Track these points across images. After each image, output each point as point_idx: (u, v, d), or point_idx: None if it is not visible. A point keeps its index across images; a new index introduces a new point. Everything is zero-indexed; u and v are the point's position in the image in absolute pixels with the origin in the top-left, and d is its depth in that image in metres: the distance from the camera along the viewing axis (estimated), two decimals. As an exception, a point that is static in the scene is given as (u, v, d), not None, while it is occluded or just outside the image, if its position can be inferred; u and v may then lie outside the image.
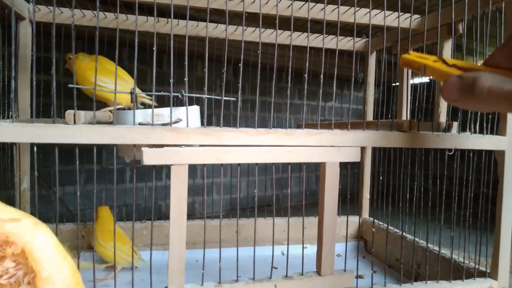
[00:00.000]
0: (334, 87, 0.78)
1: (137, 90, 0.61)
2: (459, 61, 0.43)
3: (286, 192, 0.76)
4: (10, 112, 0.64)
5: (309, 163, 0.68)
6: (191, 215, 1.12)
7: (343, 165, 0.70)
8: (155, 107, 0.63)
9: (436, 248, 0.87)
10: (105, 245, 0.88)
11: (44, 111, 0.93)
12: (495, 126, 0.77)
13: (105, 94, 0.82)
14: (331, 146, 0.67)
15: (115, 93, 0.55)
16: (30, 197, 0.97)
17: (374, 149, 1.20)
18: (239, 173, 0.66)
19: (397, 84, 1.08)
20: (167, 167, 0.59)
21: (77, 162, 0.56)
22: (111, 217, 0.92)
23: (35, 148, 0.54)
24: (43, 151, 0.77)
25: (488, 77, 0.34)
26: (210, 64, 0.86)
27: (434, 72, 0.43)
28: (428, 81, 1.14)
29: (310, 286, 0.69)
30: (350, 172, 0.73)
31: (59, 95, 0.55)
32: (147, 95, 0.84)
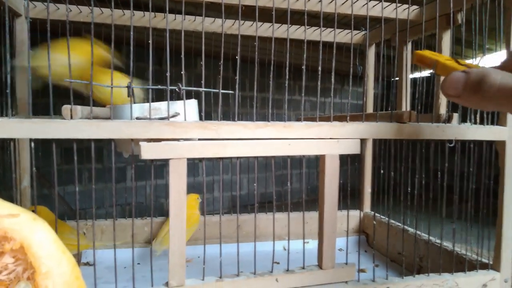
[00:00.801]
0: (333, 81, 0.78)
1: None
2: (471, 64, 0.43)
3: (287, 189, 0.75)
4: (8, 110, 0.63)
5: (309, 159, 0.67)
6: (192, 212, 1.12)
7: (344, 160, 0.70)
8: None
9: (438, 241, 0.87)
10: None
11: (43, 110, 0.93)
12: (495, 116, 0.77)
13: (104, 97, 0.82)
14: (330, 138, 0.66)
15: (111, 87, 0.54)
16: (31, 195, 0.97)
17: (374, 143, 1.20)
18: (238, 169, 0.66)
19: (397, 78, 1.08)
20: (168, 166, 0.59)
21: (75, 158, 0.56)
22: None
23: (32, 144, 0.53)
24: (44, 149, 0.77)
25: (498, 73, 0.33)
26: (208, 61, 0.86)
27: (445, 69, 0.43)
28: (428, 75, 1.14)
29: (311, 280, 0.68)
30: (351, 166, 0.72)
31: (57, 94, 0.55)
32: (144, 89, 0.83)
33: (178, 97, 0.62)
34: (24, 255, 0.42)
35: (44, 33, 0.53)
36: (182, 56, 0.55)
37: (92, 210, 0.59)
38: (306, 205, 0.73)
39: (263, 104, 3.15)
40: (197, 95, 0.70)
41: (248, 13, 0.81)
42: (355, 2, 0.84)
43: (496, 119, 0.77)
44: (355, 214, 1.22)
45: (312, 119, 0.71)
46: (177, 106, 0.64)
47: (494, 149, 0.78)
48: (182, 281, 0.62)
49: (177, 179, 0.59)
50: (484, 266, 0.79)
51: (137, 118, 0.60)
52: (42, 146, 0.58)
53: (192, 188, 0.92)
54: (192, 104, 0.70)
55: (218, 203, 2.48)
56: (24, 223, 0.43)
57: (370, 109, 1.22)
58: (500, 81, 0.32)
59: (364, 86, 1.15)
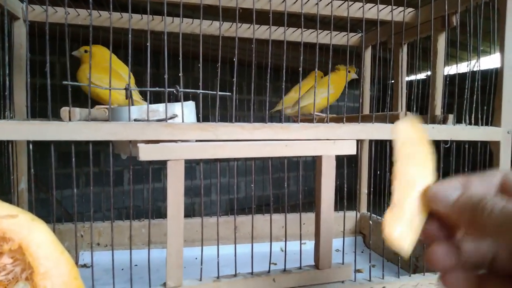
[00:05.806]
0: (329, 82, 0.78)
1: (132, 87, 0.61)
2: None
3: (285, 191, 0.76)
4: (6, 112, 0.63)
5: (306, 161, 0.68)
6: (189, 216, 1.12)
7: (341, 162, 0.70)
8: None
9: (434, 241, 0.87)
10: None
11: (40, 114, 0.93)
12: (490, 117, 0.78)
13: (101, 94, 0.82)
14: (327, 139, 0.67)
15: (109, 90, 0.55)
16: (29, 200, 0.97)
17: (370, 144, 1.21)
18: (236, 171, 0.67)
19: (393, 81, 1.08)
20: (165, 169, 0.60)
21: (73, 160, 0.56)
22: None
23: (30, 146, 0.54)
24: (40, 153, 0.77)
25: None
26: (206, 64, 0.87)
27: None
28: (424, 77, 1.15)
29: (308, 280, 0.69)
30: (347, 168, 0.73)
31: (55, 99, 0.56)
32: (142, 91, 0.84)
33: (176, 100, 0.63)
34: (23, 255, 0.42)
35: (42, 36, 0.53)
36: (180, 58, 0.56)
37: (88, 214, 0.60)
38: (303, 207, 0.73)
39: (260, 106, 3.15)
40: (194, 98, 0.70)
41: (245, 16, 0.82)
42: (351, 4, 0.85)
43: (491, 120, 0.78)
44: (351, 215, 1.22)
45: (309, 120, 0.71)
46: (175, 108, 0.64)
47: (489, 149, 0.79)
48: (179, 282, 0.62)
49: (175, 180, 0.59)
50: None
51: (135, 120, 0.60)
52: (38, 150, 0.58)
53: (189, 190, 0.92)
54: (189, 106, 0.70)
55: (215, 207, 2.48)
56: (22, 223, 0.43)
57: (366, 110, 1.23)
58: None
59: (361, 88, 1.16)
